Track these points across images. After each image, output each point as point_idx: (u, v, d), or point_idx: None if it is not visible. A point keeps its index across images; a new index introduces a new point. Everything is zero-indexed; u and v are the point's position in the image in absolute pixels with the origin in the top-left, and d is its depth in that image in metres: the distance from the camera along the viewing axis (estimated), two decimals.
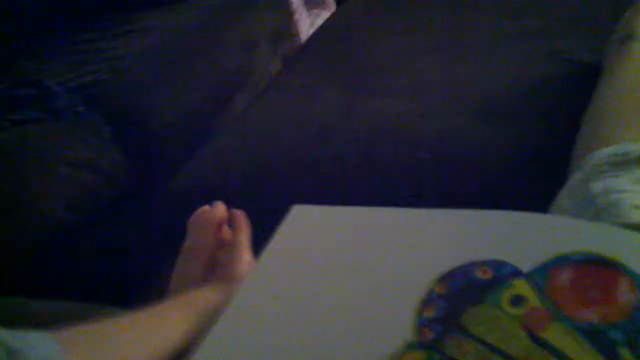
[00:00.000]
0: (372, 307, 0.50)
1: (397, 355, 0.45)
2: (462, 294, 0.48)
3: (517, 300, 0.46)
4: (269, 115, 1.01)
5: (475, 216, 0.54)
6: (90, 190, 0.93)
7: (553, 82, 0.96)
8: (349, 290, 0.51)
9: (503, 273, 0.48)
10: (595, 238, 0.49)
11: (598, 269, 0.47)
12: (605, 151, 0.66)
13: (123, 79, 1.04)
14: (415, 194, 0.84)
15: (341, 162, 0.92)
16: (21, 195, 0.92)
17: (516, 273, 0.48)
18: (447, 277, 0.49)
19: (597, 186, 0.62)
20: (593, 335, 0.43)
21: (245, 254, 0.63)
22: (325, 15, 1.71)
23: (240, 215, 0.67)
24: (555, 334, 0.44)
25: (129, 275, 0.99)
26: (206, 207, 0.66)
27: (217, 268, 0.63)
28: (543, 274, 0.47)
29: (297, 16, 1.59)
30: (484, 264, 0.49)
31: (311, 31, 1.47)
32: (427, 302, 0.48)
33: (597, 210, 0.59)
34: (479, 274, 0.49)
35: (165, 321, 0.56)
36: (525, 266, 0.48)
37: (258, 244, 0.59)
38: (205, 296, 0.59)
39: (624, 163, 0.64)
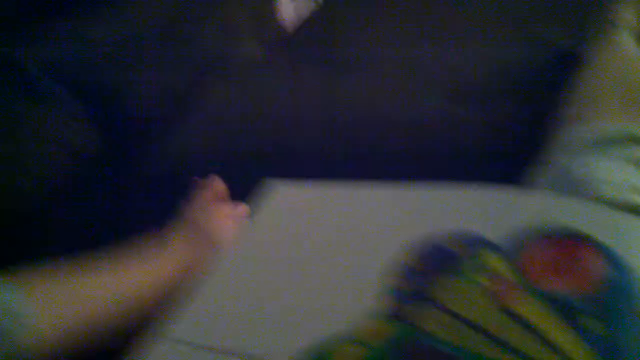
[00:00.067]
0: (341, 279, 0.50)
1: (365, 326, 0.45)
2: (432, 266, 0.48)
3: (487, 272, 0.46)
4: (247, 99, 1.00)
5: (447, 190, 0.54)
6: (62, 168, 0.92)
7: (530, 67, 0.96)
8: (319, 263, 0.51)
9: (474, 245, 0.48)
10: (567, 212, 0.50)
11: (569, 242, 0.47)
12: (580, 130, 0.67)
13: (99, 60, 1.03)
14: (390, 174, 0.84)
15: (316, 145, 0.91)
16: None
17: (487, 245, 0.48)
18: (418, 249, 0.49)
19: (571, 163, 0.62)
20: (562, 306, 0.43)
21: (227, 222, 0.64)
22: (310, 1, 1.71)
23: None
24: (524, 306, 0.44)
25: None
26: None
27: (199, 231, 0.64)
28: (514, 247, 0.47)
29: (281, 2, 1.59)
30: (455, 236, 0.49)
31: (296, 17, 1.46)
32: (396, 274, 0.48)
33: (572, 186, 0.60)
34: (450, 246, 0.49)
35: (136, 270, 0.56)
36: (497, 239, 0.48)
37: None
38: (181, 253, 0.59)
39: (600, 142, 0.64)
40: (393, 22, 1.08)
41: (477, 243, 0.48)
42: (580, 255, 0.46)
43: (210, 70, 1.11)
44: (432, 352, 0.43)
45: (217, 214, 0.64)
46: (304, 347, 0.44)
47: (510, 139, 0.86)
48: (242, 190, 0.75)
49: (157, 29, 1.09)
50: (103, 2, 1.23)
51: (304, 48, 1.10)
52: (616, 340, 0.41)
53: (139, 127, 0.99)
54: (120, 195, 0.92)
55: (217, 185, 0.69)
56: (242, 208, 0.70)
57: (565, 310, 0.43)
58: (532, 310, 0.43)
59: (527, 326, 0.43)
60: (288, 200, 0.59)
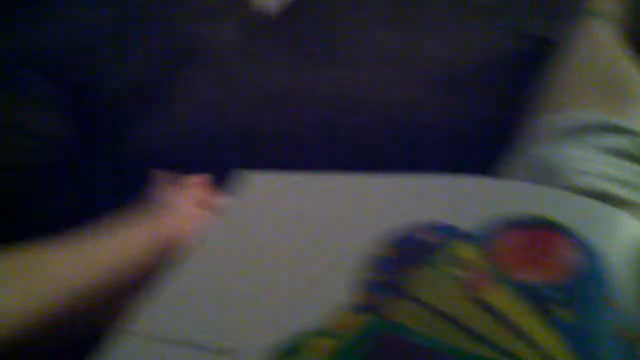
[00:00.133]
0: (314, 270, 0.49)
1: (337, 318, 0.45)
2: (404, 256, 0.47)
3: (459, 262, 0.46)
4: (223, 83, 1.00)
5: (421, 180, 0.54)
6: (32, 155, 0.91)
7: (509, 56, 0.96)
8: (293, 254, 0.51)
9: (446, 235, 0.48)
10: (539, 201, 0.49)
11: (541, 231, 0.47)
12: (554, 118, 0.67)
13: (72, 45, 1.02)
14: (370, 163, 0.84)
15: (290, 133, 0.91)
16: None
17: (460, 235, 0.48)
18: (391, 240, 0.49)
19: (543, 152, 0.62)
20: (534, 296, 0.43)
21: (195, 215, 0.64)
22: None
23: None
24: (495, 295, 0.44)
25: None
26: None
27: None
28: (486, 236, 0.47)
29: None
30: (428, 226, 0.49)
31: (276, 3, 1.46)
32: (369, 265, 0.47)
33: (544, 175, 0.60)
34: (423, 237, 0.48)
35: (97, 248, 0.55)
36: (469, 228, 0.48)
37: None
38: (141, 235, 0.58)
39: (572, 131, 0.64)
40: (373, 11, 1.08)
41: (450, 233, 0.48)
42: (553, 244, 0.46)
43: (186, 55, 1.10)
44: (404, 343, 0.43)
45: (184, 205, 0.64)
46: (275, 341, 0.44)
47: (486, 128, 0.86)
48: (216, 179, 0.75)
49: (133, 12, 1.09)
50: None
51: (282, 35, 1.10)
52: (587, 328, 0.41)
53: (112, 112, 0.98)
54: (91, 182, 0.91)
55: (194, 179, 0.68)
56: (218, 197, 0.69)
57: (537, 299, 0.43)
58: (504, 300, 0.43)
59: (499, 316, 0.42)
60: (260, 191, 0.58)
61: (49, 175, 0.90)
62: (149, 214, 0.63)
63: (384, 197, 0.54)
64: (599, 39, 0.84)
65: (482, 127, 0.87)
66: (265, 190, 0.58)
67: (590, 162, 0.61)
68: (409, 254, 0.48)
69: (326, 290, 0.47)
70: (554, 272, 0.44)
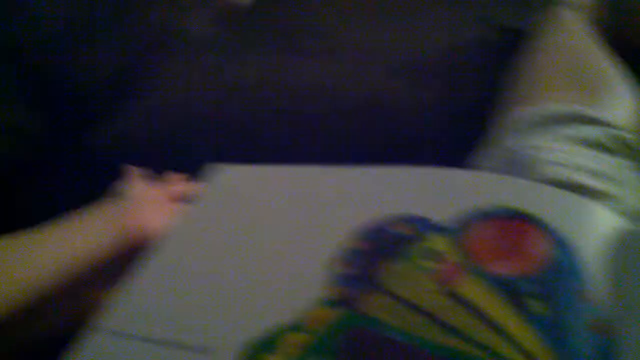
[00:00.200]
0: (287, 264, 0.49)
1: (309, 312, 0.44)
2: (377, 249, 0.47)
3: (433, 255, 0.46)
4: (193, 76, 0.99)
5: (394, 172, 0.54)
6: (4, 150, 0.90)
7: (479, 47, 0.96)
8: (264, 248, 0.51)
9: (420, 228, 0.48)
10: (512, 192, 0.49)
11: (513, 222, 0.47)
12: (527, 111, 0.67)
13: (44, 38, 1.01)
14: (340, 156, 0.84)
15: (263, 126, 0.91)
16: None
17: (433, 228, 0.48)
18: (363, 233, 0.48)
19: (515, 143, 0.62)
20: (506, 288, 0.43)
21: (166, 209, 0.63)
22: None
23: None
24: (468, 287, 0.43)
25: None
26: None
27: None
28: (459, 228, 0.47)
29: None
30: (401, 219, 0.49)
31: None
32: (341, 258, 0.47)
33: (516, 167, 0.60)
34: (396, 229, 0.48)
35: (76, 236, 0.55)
36: (442, 221, 0.48)
37: None
38: (101, 230, 0.57)
39: (542, 122, 0.64)
40: (351, 5, 1.08)
41: (423, 225, 0.48)
42: (525, 235, 0.46)
43: (158, 47, 1.10)
44: (377, 337, 0.42)
45: (155, 199, 0.63)
46: (249, 337, 0.44)
47: (457, 119, 0.86)
48: (188, 172, 0.74)
49: (104, 3, 1.08)
50: None
51: (255, 25, 1.09)
52: (560, 320, 0.41)
53: (82, 105, 0.97)
54: (62, 178, 0.90)
55: (168, 176, 0.67)
56: (190, 191, 0.68)
57: (510, 292, 0.43)
58: (477, 293, 0.43)
59: (472, 309, 0.42)
60: (231, 184, 0.58)
61: (18, 170, 0.89)
62: (116, 207, 0.62)
63: (356, 189, 0.54)
64: (570, 28, 0.84)
65: (452, 118, 0.87)
66: (238, 183, 0.58)
67: (562, 153, 0.61)
68: (382, 246, 0.47)
69: (300, 285, 0.46)
70: (527, 264, 0.44)
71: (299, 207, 0.54)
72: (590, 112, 0.66)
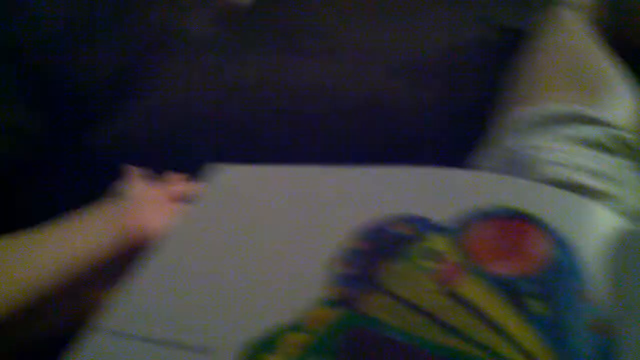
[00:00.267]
0: (287, 264, 0.49)
1: (309, 312, 0.44)
2: (378, 249, 0.47)
3: (433, 255, 0.46)
4: (193, 77, 0.99)
5: (394, 172, 0.54)
6: (4, 150, 0.90)
7: (479, 47, 0.96)
8: (264, 248, 0.51)
9: (420, 228, 0.48)
10: (512, 192, 0.49)
11: (513, 222, 0.47)
12: (527, 111, 0.67)
13: (44, 38, 1.01)
14: (341, 156, 0.84)
15: (264, 126, 0.91)
16: None
17: (433, 228, 0.48)
18: (364, 233, 0.48)
19: (515, 144, 0.62)
20: (506, 287, 0.43)
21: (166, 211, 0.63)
22: None
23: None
24: (468, 287, 0.43)
25: None
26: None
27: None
28: (459, 228, 0.47)
29: None
30: (401, 219, 0.49)
31: None
32: (342, 258, 0.47)
33: (516, 166, 0.60)
34: (396, 229, 0.48)
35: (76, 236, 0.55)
36: (442, 221, 0.48)
37: None
38: (98, 231, 0.57)
39: (542, 122, 0.64)
40: (351, 5, 1.08)
41: (423, 225, 0.48)
42: (525, 235, 0.46)
43: (158, 47, 1.10)
44: (377, 337, 0.42)
45: (155, 199, 0.63)
46: (250, 337, 0.44)
47: (456, 119, 0.86)
48: (188, 172, 0.74)
49: (103, 3, 1.08)
50: None
51: (257, 28, 1.09)
52: (560, 320, 0.41)
53: (82, 106, 0.97)
54: (62, 178, 0.90)
55: (169, 176, 0.67)
56: (191, 192, 0.68)
57: (510, 292, 0.43)
58: (477, 293, 0.43)
59: (472, 309, 0.42)
60: (231, 184, 0.58)
61: (18, 170, 0.88)
62: (116, 207, 0.62)
63: (356, 189, 0.54)
64: (570, 28, 0.84)
65: (452, 118, 0.87)
66: (237, 183, 0.58)
67: (562, 153, 0.61)
68: (382, 246, 0.47)
69: (300, 285, 0.46)
70: (527, 264, 0.44)
71: (299, 207, 0.54)
72: (590, 112, 0.66)
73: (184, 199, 0.68)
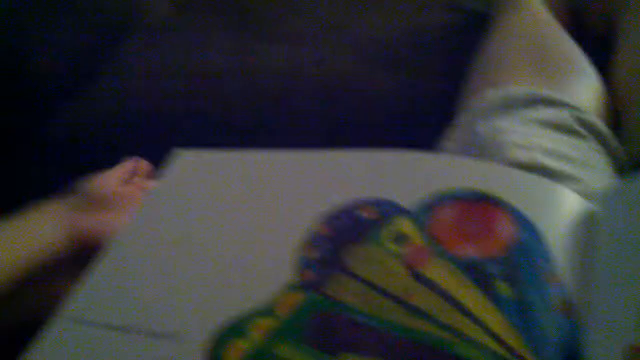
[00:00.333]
0: (254, 249, 0.48)
1: (278, 297, 0.44)
2: (345, 233, 0.47)
3: (399, 238, 0.46)
4: (156, 60, 0.98)
5: (359, 156, 0.53)
6: None
7: (446, 31, 0.96)
8: (231, 233, 0.50)
9: (386, 212, 0.48)
10: (478, 175, 0.49)
11: (479, 205, 0.47)
12: (491, 94, 0.67)
13: (3, 20, 0.99)
14: (307, 141, 0.83)
15: (230, 111, 0.90)
16: None
17: (399, 211, 0.47)
18: (330, 217, 0.48)
19: (482, 127, 0.62)
20: (472, 269, 0.43)
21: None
22: None
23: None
24: (435, 270, 0.43)
25: None
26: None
27: None
28: (426, 212, 0.47)
29: None
30: (368, 203, 0.49)
31: None
32: (309, 242, 0.47)
33: (481, 149, 0.60)
34: (363, 214, 0.48)
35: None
36: (409, 204, 0.48)
37: None
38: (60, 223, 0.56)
39: (508, 105, 0.64)
40: None
41: (389, 209, 0.48)
42: (491, 218, 0.46)
43: (120, 30, 1.08)
44: (344, 320, 0.42)
45: (114, 192, 0.61)
46: (217, 323, 0.43)
47: (423, 103, 0.86)
48: (150, 158, 0.73)
49: None
50: None
51: (222, 9, 1.08)
52: (527, 302, 0.41)
53: (40, 91, 0.96)
54: (23, 162, 0.89)
55: (136, 165, 0.65)
56: (152, 179, 0.67)
57: (476, 274, 0.43)
58: (444, 276, 0.43)
59: (439, 291, 0.42)
60: (197, 168, 0.57)
61: None
62: (72, 205, 0.60)
63: (322, 173, 0.53)
64: (532, 11, 0.84)
65: (419, 102, 0.87)
66: (203, 168, 0.57)
67: (527, 136, 0.62)
68: (349, 230, 0.47)
69: (268, 270, 0.46)
70: (492, 246, 0.44)
71: (265, 191, 0.53)
72: (553, 94, 0.66)
73: (146, 187, 0.67)
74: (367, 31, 1.00)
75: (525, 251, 0.44)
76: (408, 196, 0.48)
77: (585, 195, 0.48)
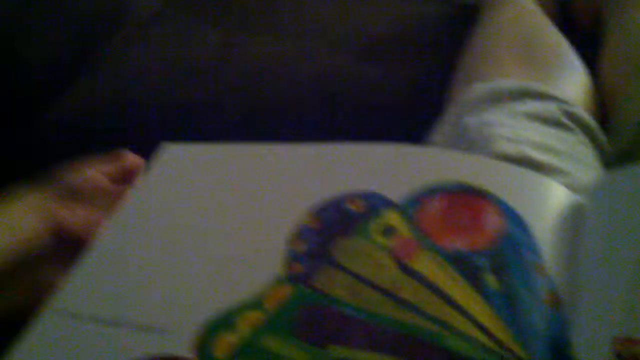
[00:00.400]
0: (242, 242, 0.48)
1: (266, 290, 0.44)
2: (333, 226, 0.47)
3: (387, 231, 0.46)
4: (143, 54, 0.98)
5: (347, 149, 0.53)
6: None
7: (433, 23, 0.96)
8: (219, 226, 0.50)
9: (375, 204, 0.48)
10: (465, 168, 0.49)
11: (467, 198, 0.47)
12: (479, 87, 0.67)
13: None
14: (296, 135, 0.83)
15: (217, 105, 0.90)
16: None
17: (388, 204, 0.47)
18: (319, 210, 0.48)
19: (470, 120, 0.62)
20: (460, 262, 0.43)
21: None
22: None
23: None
24: (423, 263, 0.44)
25: None
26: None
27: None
28: (414, 205, 0.47)
29: None
30: (356, 196, 0.49)
31: None
32: (297, 235, 0.47)
33: (469, 143, 0.60)
34: (351, 207, 0.48)
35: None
36: (397, 197, 0.48)
37: None
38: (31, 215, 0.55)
39: (496, 98, 0.64)
40: None
41: (377, 202, 0.48)
42: (479, 210, 0.46)
43: (110, 25, 1.08)
44: (332, 313, 0.42)
45: (98, 187, 0.60)
46: (204, 316, 0.43)
47: (412, 96, 0.86)
48: (140, 153, 0.73)
49: None
50: None
51: (203, 4, 1.08)
52: (514, 295, 0.42)
53: (31, 85, 0.95)
54: (13, 157, 0.88)
55: (126, 158, 0.64)
56: (139, 172, 0.66)
57: (463, 266, 0.43)
58: (432, 268, 0.43)
59: (427, 284, 0.42)
60: (185, 161, 0.57)
61: None
62: (52, 192, 0.59)
63: (310, 167, 0.53)
64: (521, 5, 0.85)
65: (407, 95, 0.87)
66: (192, 162, 0.57)
67: (515, 129, 0.62)
68: (337, 223, 0.47)
69: (256, 262, 0.46)
70: (480, 239, 0.44)
71: (253, 184, 0.53)
72: (541, 87, 0.66)
73: (133, 180, 0.66)
74: (354, 23, 1.00)
75: (513, 244, 0.44)
76: (396, 189, 0.48)
77: (573, 188, 0.48)
